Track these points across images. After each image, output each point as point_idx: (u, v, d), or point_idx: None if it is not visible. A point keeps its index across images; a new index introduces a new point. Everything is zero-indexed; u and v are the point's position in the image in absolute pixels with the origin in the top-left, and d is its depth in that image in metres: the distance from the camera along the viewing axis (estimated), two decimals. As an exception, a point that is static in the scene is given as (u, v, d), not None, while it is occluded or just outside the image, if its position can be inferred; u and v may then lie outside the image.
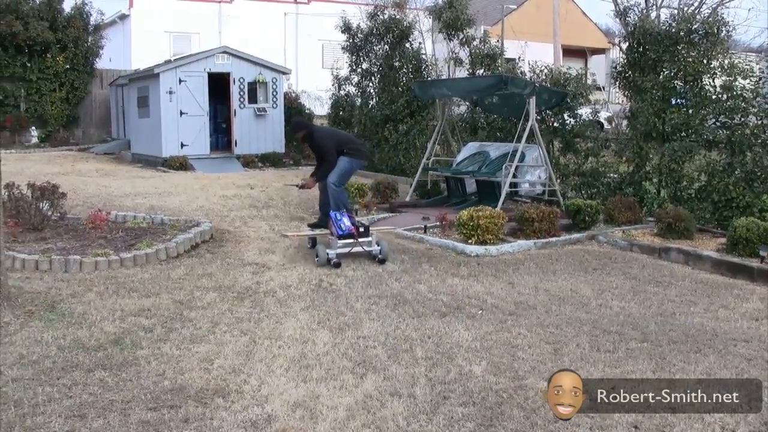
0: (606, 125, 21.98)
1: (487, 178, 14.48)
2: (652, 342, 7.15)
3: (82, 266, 9.60)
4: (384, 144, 20.57)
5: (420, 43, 20.99)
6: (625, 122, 16.45)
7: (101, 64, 31.37)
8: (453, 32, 18.96)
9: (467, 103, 18.96)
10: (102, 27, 31.82)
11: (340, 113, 22.91)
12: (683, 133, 14.00)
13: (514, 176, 13.97)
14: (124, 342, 6.92)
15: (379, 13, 21.08)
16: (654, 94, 14.20)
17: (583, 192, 15.23)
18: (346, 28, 21.69)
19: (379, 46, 21.27)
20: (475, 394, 5.82)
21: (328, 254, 10.22)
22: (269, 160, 23.37)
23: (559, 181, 14.81)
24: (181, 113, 23.00)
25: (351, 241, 10.43)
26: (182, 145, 22.95)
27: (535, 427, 5.31)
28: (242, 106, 23.99)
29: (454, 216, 12.12)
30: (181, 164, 22.03)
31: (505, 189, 13.63)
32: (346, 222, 10.56)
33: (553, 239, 11.87)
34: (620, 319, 7.93)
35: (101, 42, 30.88)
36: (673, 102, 14.34)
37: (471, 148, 16.06)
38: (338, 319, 7.77)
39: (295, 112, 26.33)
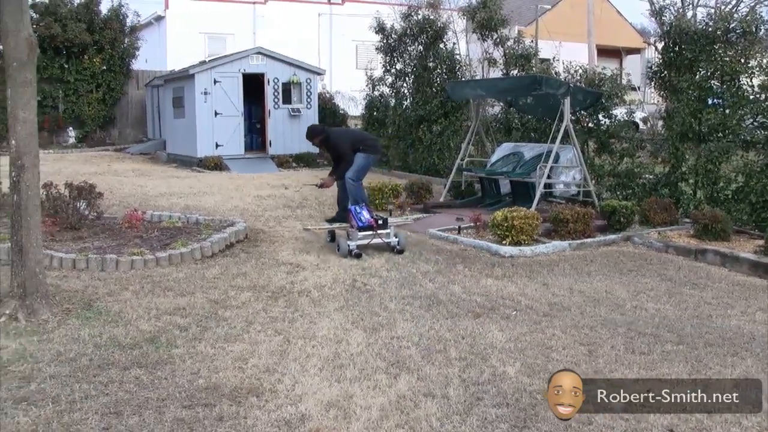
0: (641, 125, 21.83)
1: (522, 178, 14.42)
2: (688, 345, 7.08)
3: (119, 265, 9.70)
4: (418, 145, 20.55)
5: (454, 44, 20.93)
6: (660, 123, 16.32)
7: (137, 65, 31.62)
8: (487, 32, 18.89)
9: (501, 104, 18.90)
10: (138, 28, 32.07)
11: (374, 114, 22.91)
12: (720, 134, 13.85)
13: (549, 177, 13.90)
14: (159, 340, 6.98)
15: (413, 14, 21.05)
16: (690, 94, 14.06)
17: (618, 193, 15.12)
18: (380, 29, 21.70)
19: (413, 47, 21.25)
20: (509, 395, 5.81)
21: (349, 245, 10.75)
22: (303, 161, 23.43)
23: (593, 181, 14.71)
24: (216, 114, 23.14)
25: (370, 232, 10.98)
26: (217, 146, 23.09)
27: (568, 429, 5.29)
28: (276, 106, 24.09)
29: (489, 217, 12.09)
30: (215, 164, 22.16)
31: (540, 190, 13.57)
32: (365, 215, 11.15)
33: (588, 240, 11.80)
34: (656, 321, 7.87)
35: (137, 43, 31.12)
36: (710, 102, 14.20)
37: (505, 148, 16.00)
38: (372, 319, 7.78)
39: (329, 112, 26.42)
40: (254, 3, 38.49)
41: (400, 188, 14.89)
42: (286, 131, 24.11)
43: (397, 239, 11.12)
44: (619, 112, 16.63)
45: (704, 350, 6.92)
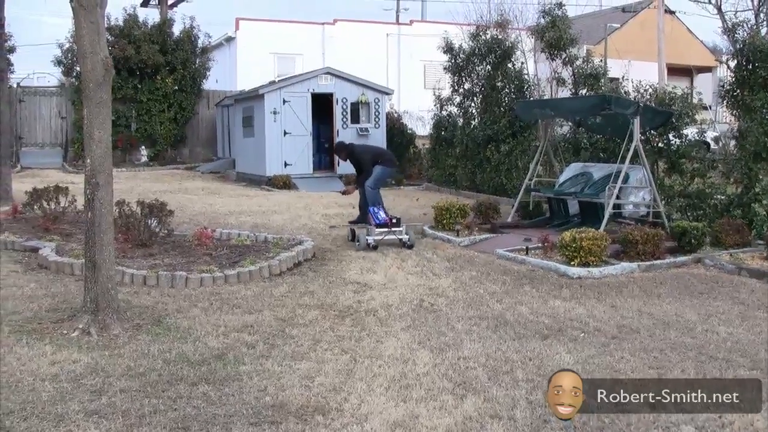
0: (713, 145, 21.46)
1: (590, 199, 14.30)
2: (762, 370, 6.92)
3: (188, 282, 9.83)
4: (486, 164, 20.51)
5: (522, 63, 20.87)
6: (733, 142, 16.02)
7: (208, 85, 32.16)
8: (555, 52, 18.80)
9: (570, 124, 18.77)
10: (209, 49, 32.59)
11: (442, 133, 22.92)
12: (795, 154, 13.57)
13: (618, 197, 13.75)
14: (227, 357, 7.06)
15: (481, 34, 21.08)
16: (764, 113, 13.79)
17: (688, 214, 14.87)
18: (448, 49, 21.76)
19: (481, 67, 21.25)
20: (576, 418, 5.75)
21: (368, 240, 12.69)
22: (371, 180, 23.48)
23: (663, 202, 14.51)
24: (285, 133, 23.39)
25: (386, 229, 12.87)
26: (286, 165, 23.33)
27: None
28: (345, 126, 24.25)
29: (557, 237, 12.00)
30: (284, 183, 22.38)
31: (609, 210, 13.43)
32: (381, 215, 13.17)
33: (658, 262, 11.63)
34: (727, 346, 7.72)
35: (208, 64, 31.65)
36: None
37: (574, 168, 15.87)
38: (439, 339, 7.77)
39: (397, 132, 26.50)
40: (323, 24, 38.87)
41: (467, 208, 14.83)
42: (355, 151, 24.20)
43: (407, 236, 12.95)
44: (690, 131, 16.37)
45: (778, 375, 6.78)
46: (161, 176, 25.72)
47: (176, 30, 30.88)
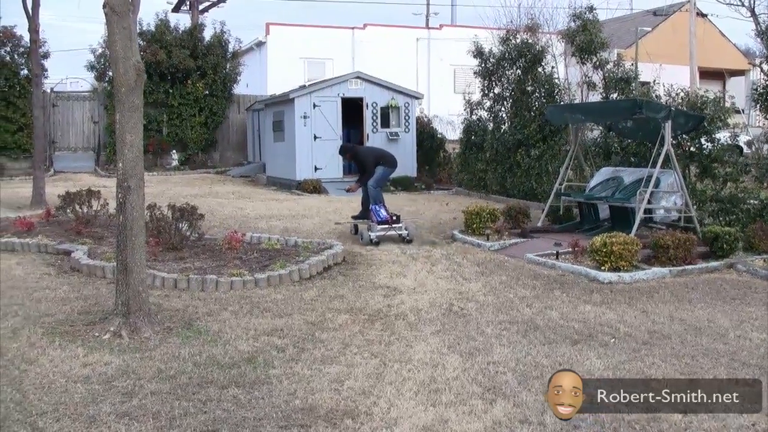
0: (746, 149, 21.30)
1: (621, 203, 14.21)
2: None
3: (218, 285, 9.88)
4: (516, 169, 20.48)
5: (552, 67, 20.81)
6: (766, 146, 15.90)
7: (238, 89, 32.35)
8: (586, 56, 18.72)
9: (600, 128, 18.69)
10: (239, 54, 32.78)
11: (472, 138, 22.89)
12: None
13: (649, 202, 13.67)
14: (257, 360, 7.09)
15: (511, 38, 21.04)
16: (798, 117, 13.69)
17: (720, 219, 14.77)
18: (478, 53, 21.74)
19: (512, 71, 21.23)
20: (607, 424, 5.72)
21: (371, 235, 13.59)
22: (401, 184, 23.55)
23: (695, 207, 14.40)
24: (315, 137, 23.47)
25: (387, 226, 13.81)
26: (316, 169, 23.40)
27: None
28: (375, 130, 24.29)
29: (587, 242, 11.94)
30: (314, 187, 22.45)
31: (640, 215, 13.35)
32: (383, 212, 14.13)
33: (689, 267, 11.55)
34: (761, 352, 7.64)
35: (239, 68, 31.84)
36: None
37: (604, 173, 15.79)
38: (468, 343, 7.76)
39: (426, 136, 26.52)
40: (353, 28, 38.94)
41: (497, 213, 14.79)
42: (385, 155, 24.24)
43: (407, 231, 13.93)
44: (723, 135, 16.25)
45: (812, 382, 6.70)
46: (192, 180, 25.88)
47: (207, 35, 31.16)
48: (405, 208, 18.75)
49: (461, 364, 7.07)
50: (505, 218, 15.01)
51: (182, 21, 33.26)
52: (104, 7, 7.97)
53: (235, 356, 7.21)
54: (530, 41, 20.67)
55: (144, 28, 29.46)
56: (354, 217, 15.39)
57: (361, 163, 15.91)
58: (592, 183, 15.58)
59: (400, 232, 13.86)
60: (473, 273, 11.34)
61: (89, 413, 5.79)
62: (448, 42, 36.58)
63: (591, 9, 18.87)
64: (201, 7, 37.55)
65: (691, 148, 15.75)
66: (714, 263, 11.87)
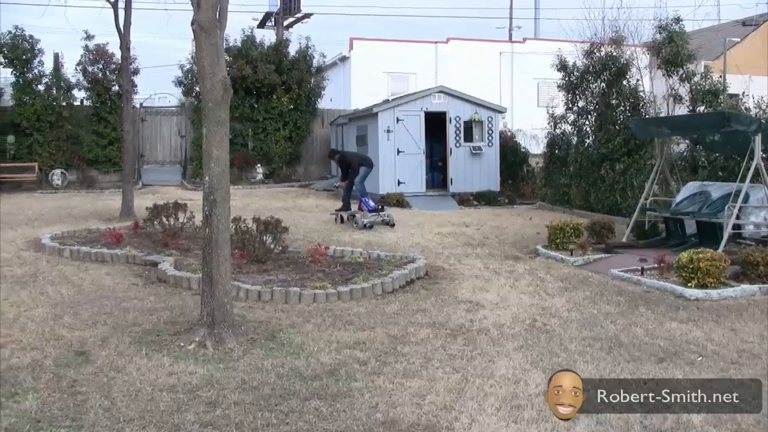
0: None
1: (708, 219, 13.95)
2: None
3: (302, 298, 9.98)
4: (600, 183, 20.24)
5: (637, 80, 20.56)
6: None
7: (322, 104, 32.60)
8: (672, 68, 18.47)
9: (687, 142, 18.38)
10: (324, 69, 33.02)
11: (556, 152, 22.75)
12: None
13: (738, 217, 13.38)
14: (339, 373, 7.13)
15: (595, 51, 20.86)
16: None
17: (814, 235, 14.38)
18: (562, 67, 21.59)
19: (596, 84, 21.03)
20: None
21: (363, 221, 17.06)
22: (484, 199, 23.49)
23: (787, 223, 14.05)
24: (399, 151, 23.55)
25: (375, 213, 17.80)
26: (399, 183, 23.47)
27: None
28: (458, 144, 24.27)
29: (673, 258, 11.74)
30: (397, 201, 22.51)
31: (728, 231, 13.08)
32: (371, 203, 18.45)
33: (780, 284, 11.27)
34: None
35: (323, 83, 32.08)
36: None
37: (691, 187, 15.51)
38: (551, 360, 7.68)
39: (510, 150, 26.41)
40: (436, 42, 38.99)
41: (581, 228, 14.64)
42: (467, 169, 24.26)
43: (389, 218, 17.73)
44: (815, 149, 15.84)
45: None
46: (276, 194, 26.15)
47: (292, 50, 31.47)
48: (488, 222, 18.69)
49: (544, 381, 6.99)
50: (589, 233, 14.84)
51: (267, 36, 33.67)
52: (192, 24, 8.14)
53: (317, 368, 7.26)
54: (615, 54, 20.47)
55: (230, 44, 29.88)
56: (337, 210, 18.94)
57: (348, 164, 19.90)
58: (679, 198, 15.32)
59: (383, 218, 17.64)
60: (556, 288, 11.24)
61: (174, 422, 5.89)
62: (532, 55, 36.35)
63: (677, 20, 18.63)
64: (286, 23, 37.95)
65: (782, 163, 15.38)
66: (806, 281, 11.55)
